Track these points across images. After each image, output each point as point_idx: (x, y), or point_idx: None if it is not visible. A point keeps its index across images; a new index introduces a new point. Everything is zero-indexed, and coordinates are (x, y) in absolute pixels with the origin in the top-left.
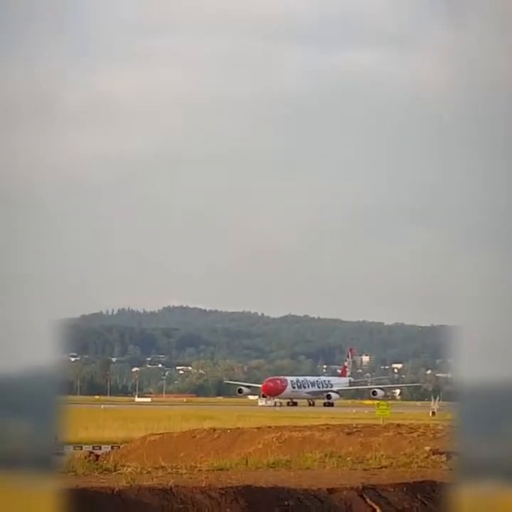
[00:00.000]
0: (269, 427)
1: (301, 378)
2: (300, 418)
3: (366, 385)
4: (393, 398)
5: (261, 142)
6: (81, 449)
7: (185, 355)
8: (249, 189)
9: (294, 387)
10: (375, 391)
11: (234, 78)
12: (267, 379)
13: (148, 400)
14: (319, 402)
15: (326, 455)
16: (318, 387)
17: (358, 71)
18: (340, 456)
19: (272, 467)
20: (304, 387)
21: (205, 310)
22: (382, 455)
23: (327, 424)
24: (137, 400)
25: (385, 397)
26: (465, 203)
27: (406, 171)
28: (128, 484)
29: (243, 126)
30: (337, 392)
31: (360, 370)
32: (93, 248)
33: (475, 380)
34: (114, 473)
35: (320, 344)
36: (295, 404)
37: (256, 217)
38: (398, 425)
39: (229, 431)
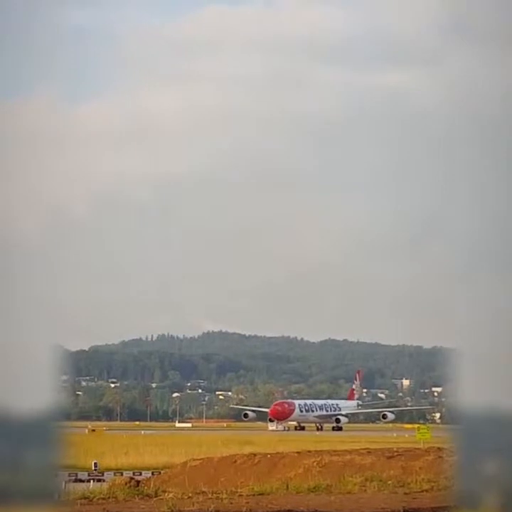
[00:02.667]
0: (310, 451)
1: (308, 402)
2: (340, 442)
3: (377, 408)
4: (433, 422)
5: (299, 161)
6: (121, 475)
7: (225, 380)
8: (288, 209)
9: (301, 411)
10: (385, 414)
11: (272, 98)
12: (274, 403)
13: (189, 425)
14: (327, 425)
15: (366, 479)
16: (326, 411)
17: (389, 90)
18: (381, 480)
19: (312, 491)
20: (312, 411)
21: (244, 335)
22: (423, 479)
23: (367, 448)
24: (178, 425)
25: (394, 420)
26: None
27: (439, 188)
28: (169, 510)
29: (284, 144)
30: (346, 415)
31: (400, 394)
32: (133, 272)
33: (478, 403)
34: (155, 499)
35: (360, 368)
36: (303, 428)
37: (295, 240)
38: (439, 449)
39: (269, 456)
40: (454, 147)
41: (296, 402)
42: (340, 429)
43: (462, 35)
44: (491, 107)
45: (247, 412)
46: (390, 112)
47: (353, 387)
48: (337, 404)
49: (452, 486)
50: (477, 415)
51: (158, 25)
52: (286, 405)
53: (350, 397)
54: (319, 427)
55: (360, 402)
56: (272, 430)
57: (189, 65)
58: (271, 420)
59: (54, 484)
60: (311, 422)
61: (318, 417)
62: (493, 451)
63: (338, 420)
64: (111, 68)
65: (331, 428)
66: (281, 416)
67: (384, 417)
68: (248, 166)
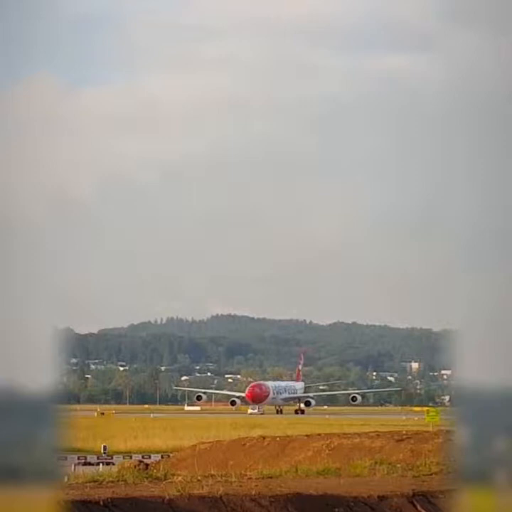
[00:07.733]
0: (319, 434)
1: (276, 383)
2: (349, 425)
3: (324, 391)
4: (443, 405)
5: (300, 146)
6: (130, 458)
7: (234, 363)
8: (294, 192)
9: (274, 394)
10: (354, 397)
11: (276, 82)
12: (251, 384)
13: (198, 408)
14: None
15: (376, 462)
16: (288, 393)
17: (388, 75)
18: (390, 463)
19: (321, 475)
20: (280, 394)
21: (253, 318)
22: (432, 462)
23: (377, 432)
24: (187, 408)
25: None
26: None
27: (439, 171)
28: (178, 493)
29: (287, 128)
30: (313, 397)
31: (409, 377)
32: (141, 255)
33: (478, 384)
34: (164, 482)
35: (369, 351)
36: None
37: (302, 223)
38: (448, 431)
39: (278, 439)
40: (453, 131)
41: (270, 384)
42: (303, 412)
43: (461, 18)
44: (490, 91)
45: (200, 394)
46: (389, 97)
47: (299, 368)
48: (294, 386)
49: (458, 466)
50: (485, 394)
51: (162, 10)
52: (264, 387)
53: (297, 379)
54: (279, 409)
55: (304, 384)
56: (251, 413)
57: (192, 49)
58: (233, 403)
59: (61, 466)
60: (281, 405)
61: (285, 399)
62: (502, 429)
63: (307, 403)
64: (115, 53)
65: (293, 411)
66: (258, 398)
67: (353, 399)
68: (252, 150)
